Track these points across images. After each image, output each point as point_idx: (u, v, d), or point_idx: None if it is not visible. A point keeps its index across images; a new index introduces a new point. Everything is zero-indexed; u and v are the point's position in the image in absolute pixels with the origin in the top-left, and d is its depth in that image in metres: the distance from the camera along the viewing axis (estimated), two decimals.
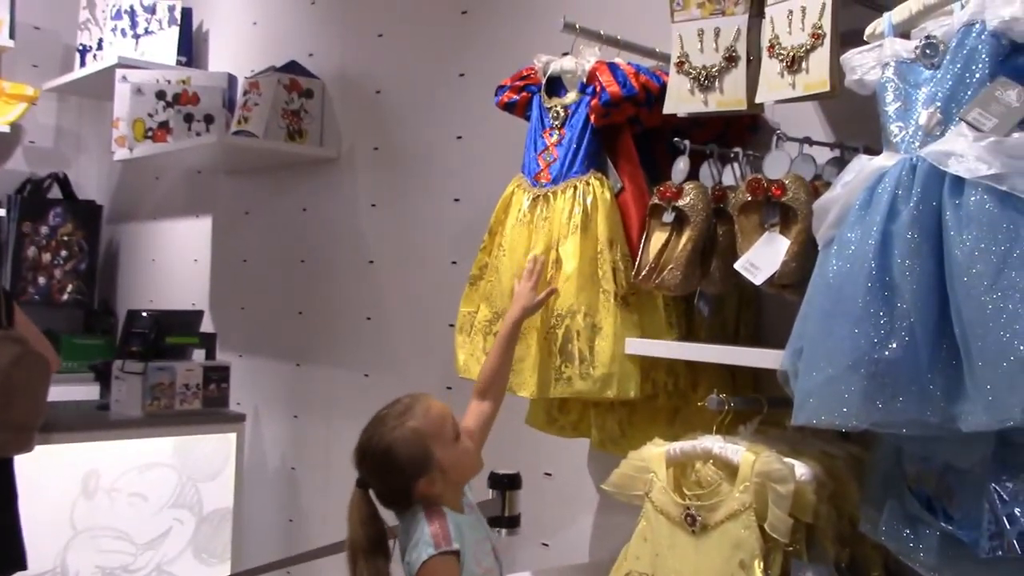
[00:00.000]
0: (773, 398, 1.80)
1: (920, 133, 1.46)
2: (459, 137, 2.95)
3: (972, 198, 1.35)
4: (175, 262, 4.39)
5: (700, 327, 2.06)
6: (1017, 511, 1.37)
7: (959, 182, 1.36)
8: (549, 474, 2.63)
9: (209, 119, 3.62)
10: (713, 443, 1.70)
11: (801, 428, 1.75)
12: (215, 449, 3.48)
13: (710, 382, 2.02)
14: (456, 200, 2.96)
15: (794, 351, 1.54)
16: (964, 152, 1.37)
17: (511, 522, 2.49)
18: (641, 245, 1.94)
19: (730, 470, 1.65)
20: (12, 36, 4.48)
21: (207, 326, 3.83)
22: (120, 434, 3.28)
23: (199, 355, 3.55)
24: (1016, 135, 1.36)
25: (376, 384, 3.26)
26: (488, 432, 2.07)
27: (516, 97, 2.22)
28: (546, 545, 2.63)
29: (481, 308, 2.16)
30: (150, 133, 3.80)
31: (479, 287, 2.20)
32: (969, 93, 1.42)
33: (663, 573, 1.68)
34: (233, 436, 3.50)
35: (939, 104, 1.45)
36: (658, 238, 1.90)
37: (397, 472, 1.85)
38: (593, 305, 1.98)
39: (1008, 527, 1.37)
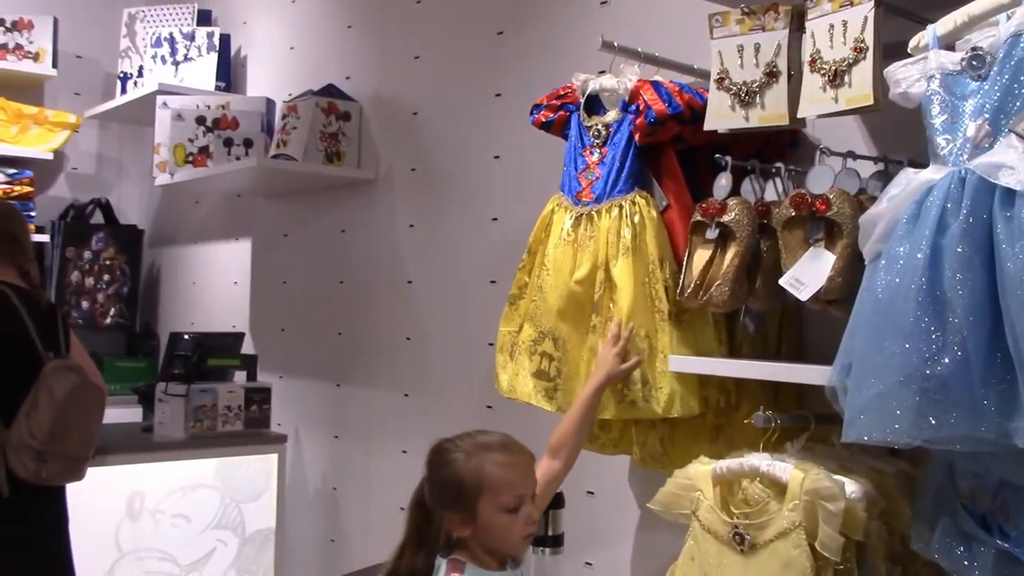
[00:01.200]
0: (819, 414, 1.78)
1: (968, 145, 1.45)
2: (496, 157, 2.96)
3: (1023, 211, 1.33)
4: (216, 284, 4.43)
5: (743, 344, 2.05)
6: None
7: (1010, 194, 1.35)
8: (592, 492, 2.62)
9: (248, 143, 3.66)
10: (760, 461, 1.69)
11: (849, 445, 1.73)
12: (257, 470, 3.49)
13: (753, 399, 2.01)
14: (494, 219, 2.96)
15: (843, 367, 1.52)
16: (1015, 164, 1.35)
17: (555, 541, 2.47)
18: (684, 263, 1.93)
19: (778, 488, 1.64)
20: (55, 65, 4.57)
21: (248, 348, 3.85)
22: (164, 456, 3.31)
23: (240, 377, 3.58)
24: None
25: (416, 404, 3.27)
26: (554, 491, 2.05)
27: (553, 116, 2.22)
28: (590, 564, 2.61)
29: (525, 328, 2.16)
30: (191, 158, 3.85)
31: (519, 306, 2.20)
32: (1018, 104, 1.40)
33: None
34: (275, 457, 3.52)
35: (987, 116, 1.43)
36: (701, 255, 1.90)
37: (439, 487, 1.84)
38: (650, 326, 1.98)
39: None
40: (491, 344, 2.27)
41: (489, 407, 2.94)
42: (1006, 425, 1.32)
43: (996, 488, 1.47)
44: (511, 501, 1.79)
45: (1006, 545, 1.43)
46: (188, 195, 4.56)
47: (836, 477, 1.61)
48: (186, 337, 3.53)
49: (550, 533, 2.46)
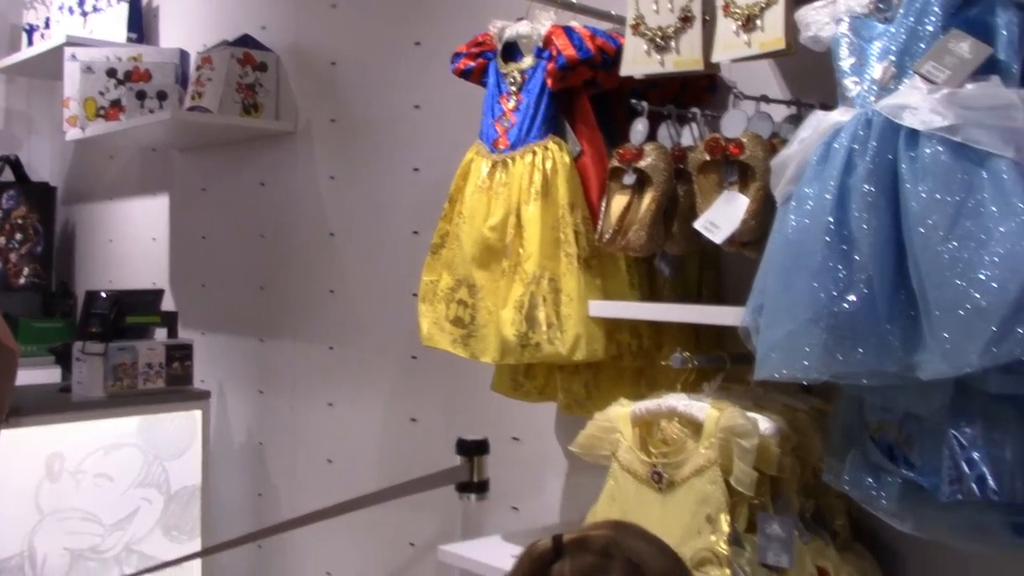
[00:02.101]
0: (736, 355, 1.82)
1: (875, 87, 1.48)
2: (417, 106, 2.94)
3: (927, 150, 1.36)
4: (133, 241, 4.34)
5: (662, 288, 2.08)
6: (976, 456, 1.40)
7: (914, 135, 1.38)
8: (517, 439, 2.65)
9: (162, 96, 3.57)
10: (678, 401, 1.72)
11: (764, 383, 1.78)
12: (181, 427, 3.46)
13: (674, 342, 2.04)
14: (416, 170, 2.94)
15: (755, 307, 1.55)
16: (918, 105, 1.38)
17: (480, 487, 2.50)
18: (602, 209, 1.95)
19: (695, 427, 1.68)
20: None
21: (168, 305, 3.79)
22: (83, 415, 3.25)
23: (161, 334, 3.53)
24: (969, 86, 1.38)
25: (341, 357, 3.25)
26: None
27: (472, 64, 2.21)
28: (516, 509, 2.65)
29: (443, 276, 2.16)
30: (102, 112, 3.74)
31: (441, 255, 2.20)
32: (922, 46, 1.43)
33: None
34: (198, 413, 3.48)
35: (893, 58, 1.46)
36: (619, 201, 1.91)
37: None
38: (557, 270, 1.99)
39: (967, 472, 1.40)
40: (415, 295, 2.27)
41: (414, 358, 2.95)
42: (910, 359, 1.36)
43: (902, 420, 1.52)
44: None
45: (911, 474, 1.48)
46: (101, 150, 4.43)
47: (750, 414, 1.65)
48: (103, 295, 3.46)
49: (475, 479, 2.49)
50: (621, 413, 1.77)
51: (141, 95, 3.55)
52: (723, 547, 1.59)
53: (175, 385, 3.41)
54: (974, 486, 1.39)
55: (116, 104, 3.71)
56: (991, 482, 1.38)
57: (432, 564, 2.76)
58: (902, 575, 1.86)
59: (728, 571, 1.58)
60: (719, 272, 2.15)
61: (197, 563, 3.48)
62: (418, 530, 2.94)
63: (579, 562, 1.22)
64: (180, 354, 3.42)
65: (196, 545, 3.44)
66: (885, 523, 1.57)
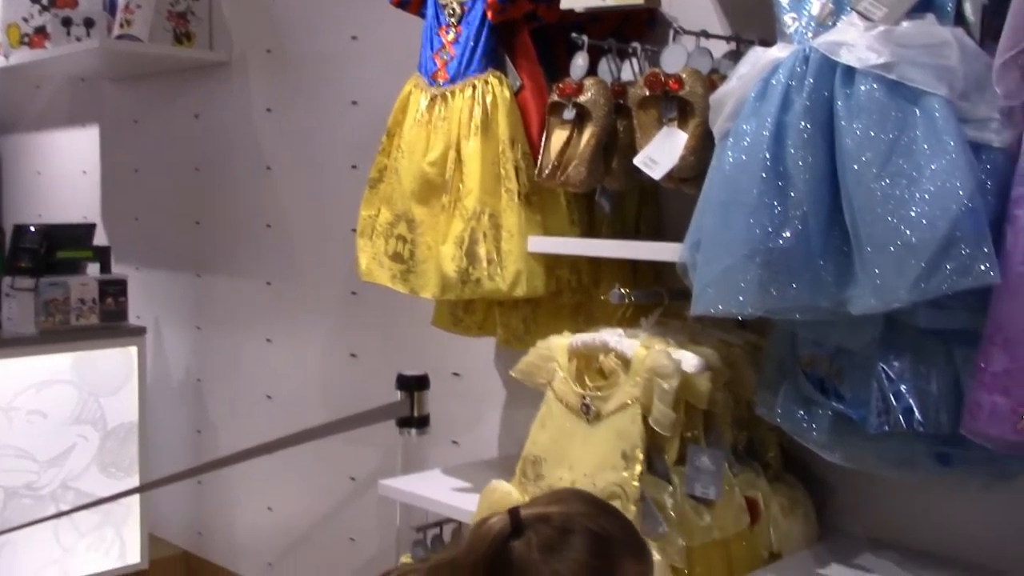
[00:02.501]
0: (674, 290, 1.84)
1: (813, 24, 1.48)
2: (354, 38, 2.88)
3: (862, 87, 1.37)
4: (62, 174, 4.23)
5: (602, 224, 2.08)
6: (903, 388, 1.44)
7: (850, 72, 1.39)
8: (457, 374, 2.66)
9: (89, 23, 3.44)
10: (611, 336, 1.74)
11: (700, 318, 1.80)
12: (116, 364, 3.41)
13: (612, 278, 2.05)
14: (353, 103, 2.90)
15: (692, 243, 1.57)
16: (855, 42, 1.39)
17: (420, 422, 2.51)
18: (542, 143, 1.94)
19: (627, 363, 1.70)
20: None
21: (100, 239, 3.70)
22: (14, 352, 3.19)
23: (93, 269, 3.45)
24: (905, 24, 1.39)
25: (279, 292, 3.23)
26: None
27: None
28: (456, 443, 2.67)
29: (382, 211, 2.14)
30: (26, 39, 3.61)
31: (379, 190, 2.18)
32: None
33: (555, 457, 1.74)
34: (134, 350, 3.43)
35: None
36: (559, 136, 1.90)
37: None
38: (497, 206, 1.98)
39: (895, 404, 1.44)
40: (354, 230, 2.25)
41: (354, 293, 2.93)
42: (842, 294, 1.38)
43: (833, 354, 1.55)
44: None
45: (841, 407, 1.52)
46: (27, 79, 4.28)
47: (680, 351, 1.67)
48: (32, 229, 3.37)
49: (416, 414, 2.50)
50: (560, 344, 1.79)
51: (67, 22, 3.42)
52: (635, 484, 1.62)
53: (109, 321, 3.35)
54: (901, 418, 1.43)
55: (41, 31, 3.57)
56: (917, 414, 1.42)
57: (373, 498, 2.77)
58: (831, 504, 1.92)
59: (635, 508, 1.61)
60: (658, 208, 2.16)
61: (136, 500, 3.46)
62: (359, 465, 2.95)
63: (541, 538, 1.23)
64: (114, 290, 3.35)
65: (134, 482, 3.42)
66: (815, 454, 1.61)
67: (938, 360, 1.43)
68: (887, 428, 1.44)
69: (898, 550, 1.81)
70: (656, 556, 1.54)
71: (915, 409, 1.43)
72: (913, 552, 1.80)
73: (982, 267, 1.25)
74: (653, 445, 1.68)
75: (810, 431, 1.57)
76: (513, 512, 1.25)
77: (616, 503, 1.61)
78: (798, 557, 1.77)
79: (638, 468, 1.63)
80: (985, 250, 1.26)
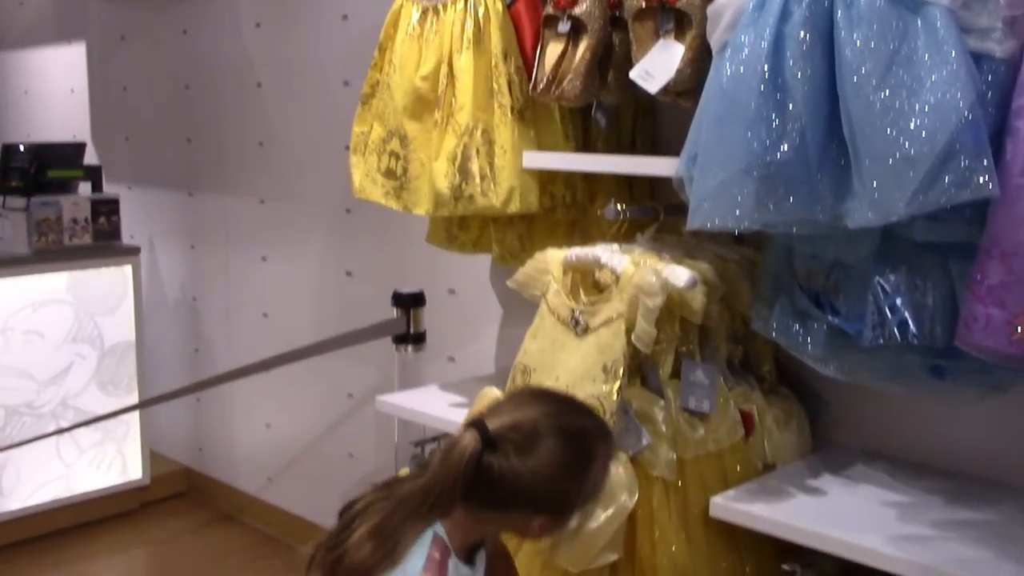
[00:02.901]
0: (669, 206, 1.83)
1: None
2: None
3: None
4: (50, 93, 4.17)
5: (597, 139, 2.06)
6: (898, 302, 1.44)
7: None
8: (452, 291, 2.66)
9: None
10: (603, 252, 1.73)
11: (696, 233, 1.80)
12: (111, 283, 3.41)
13: (608, 193, 2.04)
14: (344, 17, 2.84)
15: (689, 157, 1.55)
16: None
17: (417, 339, 2.53)
18: (536, 57, 1.90)
19: (618, 279, 1.70)
20: None
21: (91, 158, 3.67)
22: (9, 272, 3.18)
23: (85, 189, 3.43)
24: None
25: (272, 211, 3.21)
26: None
27: None
28: (452, 359, 2.69)
29: (374, 127, 2.12)
30: None
31: (371, 106, 2.15)
32: None
33: (544, 367, 1.76)
34: (128, 269, 3.43)
35: None
36: (554, 49, 1.87)
37: (558, 470, 1.32)
38: (490, 121, 1.96)
39: (889, 317, 1.44)
40: (347, 147, 2.23)
41: (348, 211, 2.92)
42: (839, 207, 1.38)
43: (829, 268, 1.55)
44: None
45: (836, 320, 1.52)
46: None
47: (672, 266, 1.66)
48: (22, 148, 3.33)
49: (412, 331, 2.51)
50: (556, 257, 1.80)
51: None
52: (614, 397, 1.64)
53: (103, 240, 3.34)
54: (896, 331, 1.43)
55: None
56: (912, 327, 1.43)
57: (371, 414, 2.80)
58: (825, 416, 1.94)
59: (613, 420, 1.62)
60: (654, 122, 2.14)
61: (135, 418, 3.50)
62: (356, 381, 2.97)
63: (515, 447, 1.28)
64: (106, 209, 3.33)
65: (133, 399, 3.44)
66: (810, 368, 1.62)
67: (934, 273, 1.43)
68: (882, 341, 1.45)
69: (891, 461, 1.83)
70: (621, 473, 1.58)
71: (910, 322, 1.43)
72: (905, 463, 1.82)
73: (981, 179, 1.24)
74: (647, 360, 1.69)
75: (805, 345, 1.58)
76: (481, 428, 1.28)
77: None
78: (792, 468, 1.80)
79: (617, 382, 1.64)
80: (984, 162, 1.24)
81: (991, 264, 1.27)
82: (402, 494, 1.32)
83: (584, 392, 1.65)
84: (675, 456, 1.66)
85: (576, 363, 1.70)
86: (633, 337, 1.63)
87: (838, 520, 1.56)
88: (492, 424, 1.30)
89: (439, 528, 1.32)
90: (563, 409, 1.36)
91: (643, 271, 1.64)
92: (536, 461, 1.28)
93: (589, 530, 1.56)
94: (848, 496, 1.69)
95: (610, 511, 1.58)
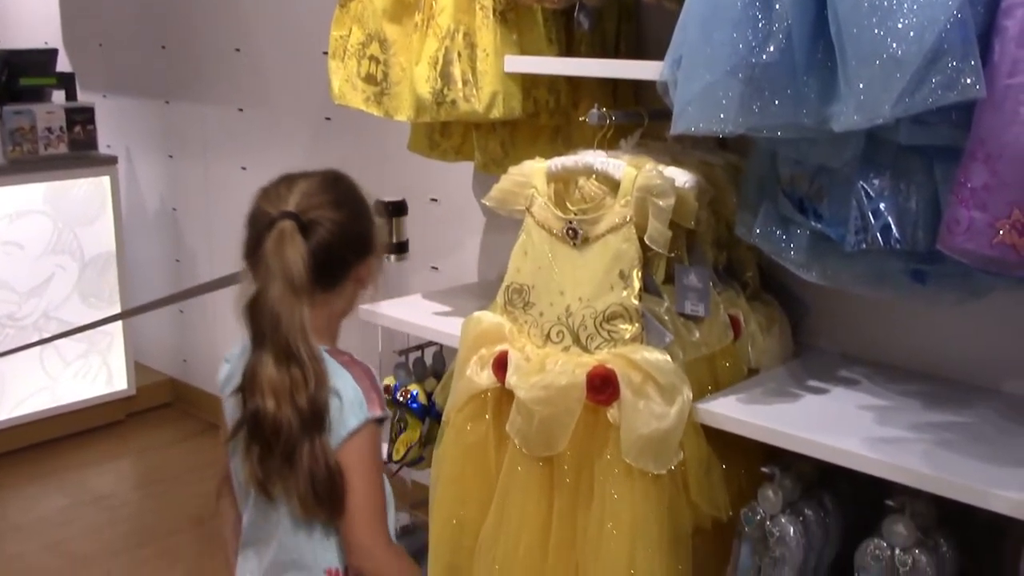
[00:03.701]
0: (654, 110, 1.81)
1: None
2: None
3: None
4: None
5: (580, 42, 2.03)
6: (882, 206, 1.43)
7: None
8: (435, 199, 2.64)
9: None
10: (594, 158, 1.71)
11: (681, 139, 1.78)
12: (89, 193, 3.37)
13: (591, 98, 2.01)
14: None
15: (673, 60, 1.52)
16: None
17: (399, 248, 2.51)
18: None
19: (612, 185, 1.68)
20: None
21: (63, 65, 3.60)
22: None
23: (59, 97, 3.37)
24: None
25: (251, 118, 3.16)
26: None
27: None
28: (436, 268, 2.68)
29: (353, 31, 2.07)
30: None
31: (349, 9, 2.10)
32: None
33: (543, 284, 1.73)
34: (106, 180, 3.39)
35: None
36: None
37: (352, 217, 1.44)
38: (472, 24, 1.91)
39: (873, 222, 1.43)
40: (326, 52, 2.18)
41: (328, 119, 2.87)
42: (825, 111, 1.36)
43: (814, 173, 1.53)
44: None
45: (819, 225, 1.52)
46: None
47: (669, 169, 1.65)
48: None
49: (394, 240, 2.50)
50: (537, 168, 1.75)
51: None
52: (635, 301, 1.63)
53: (79, 150, 3.29)
54: (879, 235, 1.43)
55: None
56: (895, 231, 1.42)
57: (354, 324, 2.79)
58: (807, 322, 1.95)
59: (638, 325, 1.63)
60: (638, 25, 2.10)
61: (119, 329, 3.50)
62: None
63: (314, 212, 1.39)
64: (81, 117, 3.28)
65: (115, 311, 3.44)
66: (792, 274, 1.62)
67: (918, 177, 1.42)
68: (864, 246, 1.44)
69: (870, 366, 1.85)
70: (671, 363, 1.59)
71: (893, 226, 1.43)
72: (885, 367, 1.84)
73: (968, 80, 1.22)
74: (645, 265, 1.68)
75: (788, 250, 1.58)
76: (287, 216, 1.37)
77: (618, 322, 1.63)
78: (774, 373, 1.81)
79: (637, 285, 1.63)
80: (972, 63, 1.22)
81: (975, 167, 1.26)
82: (270, 310, 1.35)
83: (604, 303, 1.65)
84: (683, 356, 1.66)
85: (585, 275, 1.68)
86: (647, 239, 1.61)
87: (817, 423, 1.58)
88: (288, 208, 1.39)
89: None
90: (324, 176, 1.47)
91: (648, 173, 1.62)
92: (337, 213, 1.40)
93: (663, 429, 1.57)
94: (828, 400, 1.71)
95: (676, 406, 1.58)
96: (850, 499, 1.69)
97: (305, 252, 1.35)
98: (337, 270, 1.42)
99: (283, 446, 1.34)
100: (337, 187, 1.46)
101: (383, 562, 1.43)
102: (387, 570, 1.44)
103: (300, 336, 1.35)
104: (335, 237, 1.39)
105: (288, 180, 1.47)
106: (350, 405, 1.38)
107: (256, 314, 1.37)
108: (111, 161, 3.40)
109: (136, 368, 3.59)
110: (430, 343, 2.35)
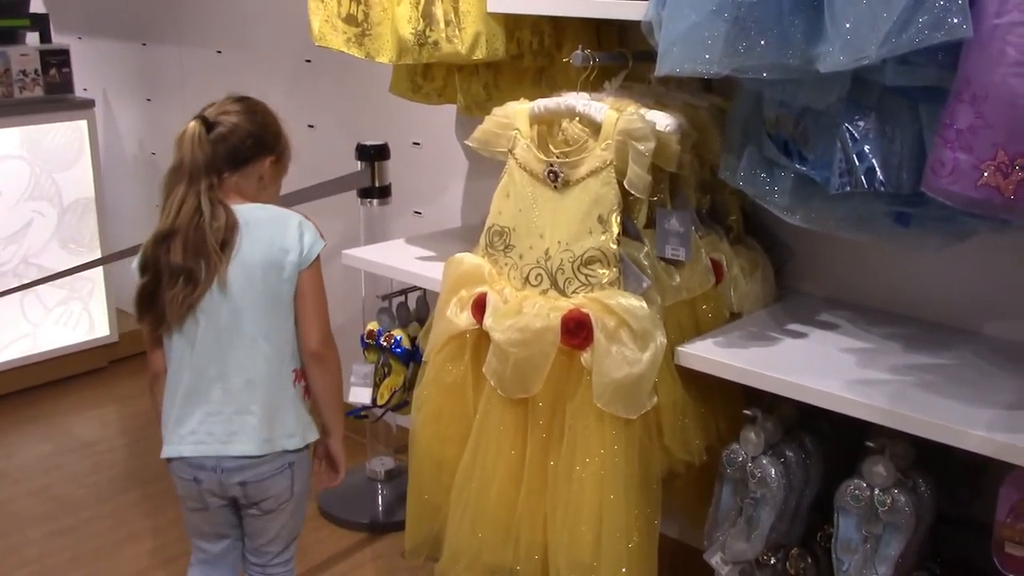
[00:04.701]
0: (639, 52, 1.79)
1: None
2: None
3: None
4: None
5: None
6: (866, 148, 1.42)
7: None
8: (418, 143, 2.62)
9: None
10: (577, 100, 1.69)
11: (665, 81, 1.77)
12: (67, 138, 3.32)
13: (575, 40, 1.99)
14: None
15: (659, 1, 1.50)
16: None
17: (382, 192, 2.50)
18: None
19: (595, 128, 1.66)
20: None
21: (37, 6, 3.52)
22: None
23: (32, 38, 3.30)
24: None
25: (231, 61, 3.11)
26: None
27: None
28: (419, 213, 2.67)
29: None
30: None
31: None
32: None
33: (524, 226, 1.72)
34: (84, 124, 3.34)
35: None
36: None
37: (255, 125, 1.77)
38: None
39: (857, 164, 1.43)
40: None
41: (308, 61, 2.83)
42: (810, 51, 1.34)
43: (798, 116, 1.53)
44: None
45: (804, 168, 1.51)
46: None
47: (651, 113, 1.63)
48: None
49: (377, 184, 2.48)
50: (520, 110, 1.73)
51: None
52: (613, 246, 1.62)
53: (55, 94, 3.24)
54: (863, 178, 1.42)
55: None
56: (879, 173, 1.42)
57: (337, 269, 2.79)
58: (790, 266, 1.95)
59: (615, 270, 1.62)
60: None
61: (100, 275, 3.47)
62: None
63: (224, 116, 1.76)
64: (57, 60, 3.22)
65: (96, 256, 3.40)
66: (775, 218, 1.62)
67: (903, 119, 1.41)
68: (849, 188, 1.44)
69: (853, 309, 1.86)
70: (646, 308, 1.59)
71: (877, 169, 1.42)
72: (868, 311, 1.85)
73: (955, 20, 1.21)
74: (625, 209, 1.67)
75: (772, 193, 1.57)
76: (198, 118, 1.74)
77: (596, 266, 1.63)
78: (756, 317, 1.82)
79: (615, 230, 1.63)
80: (959, 2, 1.21)
81: (961, 108, 1.25)
82: (174, 190, 1.72)
83: (582, 247, 1.64)
84: (660, 301, 1.66)
85: (564, 218, 1.67)
86: (627, 183, 1.60)
87: (799, 366, 1.59)
88: (202, 114, 1.76)
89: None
90: (243, 100, 1.80)
91: (629, 116, 1.60)
92: (240, 119, 1.75)
93: (635, 375, 1.58)
94: (810, 343, 1.71)
95: (649, 352, 1.58)
96: (831, 441, 1.71)
97: (205, 139, 1.72)
98: (239, 156, 1.75)
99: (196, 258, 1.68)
100: (248, 105, 1.80)
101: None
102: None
103: (205, 192, 1.70)
104: (232, 133, 1.74)
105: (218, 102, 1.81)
106: (311, 237, 1.76)
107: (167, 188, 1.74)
108: (88, 105, 3.35)
109: (118, 315, 3.57)
110: (413, 288, 2.35)
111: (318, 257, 1.77)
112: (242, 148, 1.75)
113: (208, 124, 1.74)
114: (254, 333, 1.72)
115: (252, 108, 1.79)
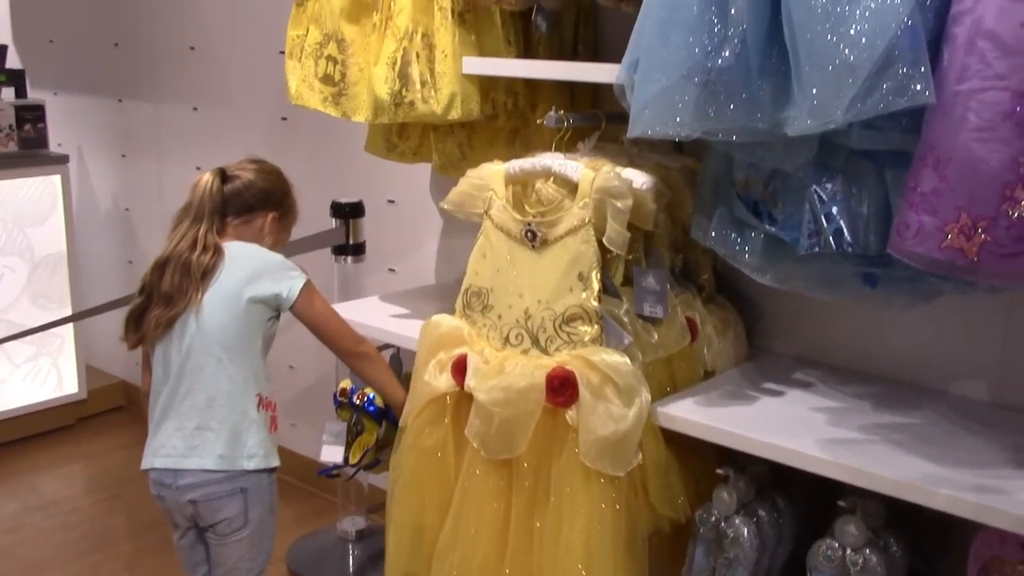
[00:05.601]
0: (611, 113, 1.82)
1: None
2: None
3: None
4: None
5: (538, 45, 2.03)
6: (834, 210, 1.45)
7: None
8: (392, 201, 2.63)
9: None
10: (552, 160, 1.71)
11: (637, 142, 1.79)
12: (39, 193, 3.31)
13: (549, 101, 2.02)
14: None
15: (630, 64, 1.53)
16: None
17: (356, 250, 2.51)
18: None
19: (570, 187, 1.68)
20: None
21: (13, 62, 3.54)
22: None
23: (8, 94, 3.31)
24: None
25: (206, 118, 3.13)
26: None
27: None
28: (393, 271, 2.67)
29: (311, 30, 2.06)
30: None
31: (307, 8, 2.09)
32: None
33: (501, 287, 1.73)
34: (57, 179, 3.33)
35: None
36: None
37: (267, 183, 1.92)
38: (431, 25, 1.91)
39: (825, 225, 1.45)
40: (283, 52, 2.16)
41: (284, 119, 2.85)
42: (779, 115, 1.37)
43: (768, 177, 1.55)
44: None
45: (773, 229, 1.53)
46: None
47: (627, 171, 1.66)
48: None
49: (351, 242, 2.49)
50: (495, 171, 1.75)
51: None
52: (594, 303, 1.64)
53: (29, 149, 3.24)
54: (831, 239, 1.45)
55: None
56: (847, 235, 1.44)
57: None
58: (761, 325, 1.97)
59: (597, 327, 1.63)
60: (596, 28, 2.11)
61: (70, 331, 3.44)
62: None
63: (242, 172, 1.91)
64: (32, 115, 3.22)
65: (66, 313, 3.38)
66: (747, 277, 1.64)
67: (870, 182, 1.44)
68: (817, 249, 1.46)
69: (823, 368, 1.87)
70: (630, 364, 1.60)
71: (845, 230, 1.45)
72: (837, 370, 1.87)
73: (918, 87, 1.24)
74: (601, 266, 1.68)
75: (743, 253, 1.59)
76: (217, 171, 1.88)
77: (578, 324, 1.64)
78: (728, 375, 1.83)
79: (596, 287, 1.64)
80: (922, 69, 1.24)
81: (925, 172, 1.28)
82: (182, 230, 1.86)
83: (563, 305, 1.65)
84: (642, 358, 1.67)
85: (543, 277, 1.68)
86: (606, 240, 1.62)
87: (771, 425, 1.60)
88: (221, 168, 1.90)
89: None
90: (259, 161, 1.96)
91: (606, 174, 1.62)
92: (255, 176, 1.90)
93: (621, 431, 1.58)
94: (781, 402, 1.72)
95: (634, 408, 1.59)
96: (803, 500, 1.71)
97: (217, 189, 1.86)
98: (245, 206, 1.89)
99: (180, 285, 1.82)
100: (264, 166, 1.95)
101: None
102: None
103: (204, 231, 1.83)
104: (244, 187, 1.88)
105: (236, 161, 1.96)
106: (290, 277, 1.86)
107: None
108: (62, 160, 3.35)
109: (88, 371, 3.53)
110: (387, 345, 2.34)
111: (306, 288, 1.87)
112: (249, 199, 1.89)
113: (224, 177, 1.88)
114: (220, 354, 1.81)
115: (267, 169, 1.95)
